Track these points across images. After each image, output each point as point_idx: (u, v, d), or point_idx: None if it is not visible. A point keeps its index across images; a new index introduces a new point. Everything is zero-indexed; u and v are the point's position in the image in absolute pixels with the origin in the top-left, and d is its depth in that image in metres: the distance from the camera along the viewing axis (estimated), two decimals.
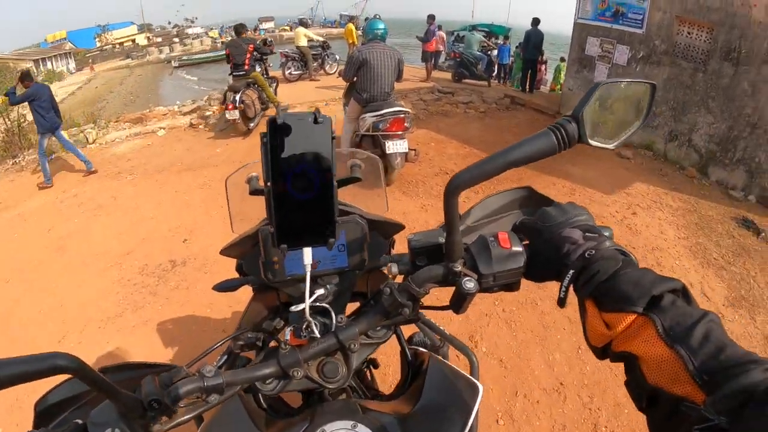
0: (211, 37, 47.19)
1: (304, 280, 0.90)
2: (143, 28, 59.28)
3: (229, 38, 42.91)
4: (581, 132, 0.75)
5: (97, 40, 52.61)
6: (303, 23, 14.02)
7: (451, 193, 0.77)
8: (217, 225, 4.96)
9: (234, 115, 8.03)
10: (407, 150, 5.69)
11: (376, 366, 1.49)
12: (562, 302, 0.78)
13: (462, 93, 11.32)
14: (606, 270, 0.71)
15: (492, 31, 19.50)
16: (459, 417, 0.90)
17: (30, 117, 7.46)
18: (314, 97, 10.63)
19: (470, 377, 1.02)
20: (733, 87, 6.71)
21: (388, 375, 2.46)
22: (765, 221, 6.11)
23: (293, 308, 0.92)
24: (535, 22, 11.96)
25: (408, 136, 5.75)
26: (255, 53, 8.75)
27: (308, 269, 0.87)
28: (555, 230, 0.84)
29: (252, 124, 8.58)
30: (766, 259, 5.23)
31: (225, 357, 1.16)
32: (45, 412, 0.86)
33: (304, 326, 0.94)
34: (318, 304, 0.97)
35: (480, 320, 3.71)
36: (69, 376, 0.62)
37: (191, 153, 7.56)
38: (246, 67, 8.54)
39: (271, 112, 9.26)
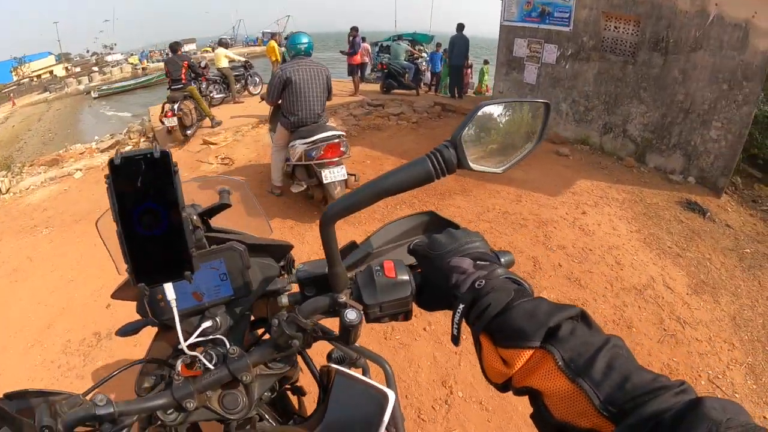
0: (132, 64, 45.36)
1: (194, 314, 0.95)
2: (61, 58, 56.93)
3: (150, 64, 41.62)
4: (460, 157, 0.73)
5: (13, 73, 49.94)
6: (223, 44, 13.33)
7: (325, 225, 0.77)
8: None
9: (172, 122, 8.42)
10: (346, 176, 5.18)
11: (303, 393, 1.40)
12: (455, 339, 0.75)
13: (392, 104, 11.11)
14: (498, 303, 0.68)
15: (416, 40, 19.49)
16: (369, 426, 0.89)
17: None
18: (239, 121, 10.12)
19: (379, 386, 0.97)
20: (664, 76, 6.91)
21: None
22: (707, 201, 6.30)
23: (180, 345, 0.92)
24: (460, 27, 11.84)
25: (345, 161, 5.28)
26: (190, 70, 9.25)
27: (173, 304, 0.88)
28: (444, 258, 0.81)
29: (189, 132, 8.83)
30: (717, 239, 5.33)
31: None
32: None
33: (196, 359, 0.93)
34: (211, 336, 0.97)
35: (450, 361, 3.43)
36: None
37: None
38: (183, 80, 9.04)
39: (207, 123, 9.60)
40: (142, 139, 10.15)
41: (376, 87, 13.70)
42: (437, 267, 0.81)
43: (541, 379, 0.61)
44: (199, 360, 0.93)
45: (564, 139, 8.22)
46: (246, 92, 13.33)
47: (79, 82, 39.25)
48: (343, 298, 0.84)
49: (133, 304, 1.15)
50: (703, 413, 0.48)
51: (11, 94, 39.01)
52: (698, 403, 0.49)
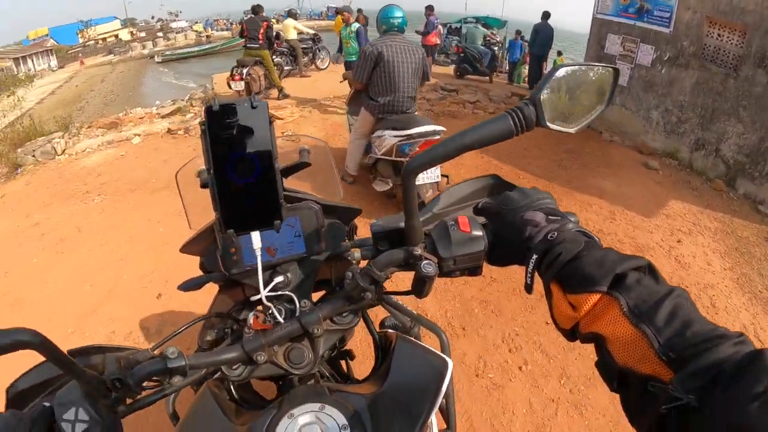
0: (196, 31, 45.53)
1: (265, 269, 0.96)
2: (126, 22, 57.83)
3: (214, 32, 41.70)
4: (539, 115, 0.74)
5: (79, 36, 51.09)
6: (292, 14, 12.63)
7: (407, 176, 0.77)
8: (198, 270, 3.72)
9: (239, 86, 8.21)
10: (440, 179, 4.48)
11: (352, 357, 1.38)
12: (528, 288, 0.77)
13: (467, 91, 10.36)
14: (569, 252, 0.70)
15: (487, 24, 18.40)
16: (429, 392, 0.88)
17: None
18: (306, 96, 9.54)
19: (439, 353, 0.97)
20: (767, 96, 6.05)
21: (365, 365, 1.90)
22: None
23: (253, 297, 0.98)
24: (545, 15, 11.06)
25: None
26: (268, 31, 9.01)
27: (258, 252, 0.89)
28: (517, 213, 0.83)
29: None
30: None
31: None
32: (16, 398, 0.81)
33: (268, 312, 0.95)
34: (280, 292, 0.99)
35: (546, 409, 2.94)
36: (39, 362, 0.70)
37: (168, 165, 6.39)
38: (261, 40, 8.85)
39: (273, 94, 9.31)
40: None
41: (445, 70, 13.17)
42: (510, 222, 0.83)
43: (606, 324, 0.62)
44: (270, 313, 0.94)
45: (652, 150, 7.49)
46: (313, 66, 12.79)
47: (144, 47, 39.84)
48: (419, 251, 0.84)
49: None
50: (765, 364, 0.48)
51: (80, 54, 39.88)
52: (759, 355, 0.49)
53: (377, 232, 0.95)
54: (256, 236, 0.87)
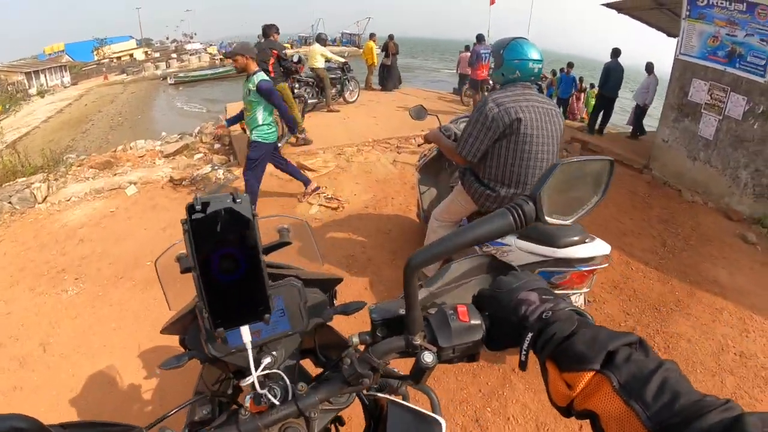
0: (210, 54, 44.34)
1: (252, 350, 0.89)
2: (142, 42, 57.15)
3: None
4: (539, 212, 0.75)
5: (94, 53, 50.32)
6: (321, 39, 10.71)
7: (410, 272, 0.77)
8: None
9: None
10: (585, 304, 3.04)
11: (342, 423, 1.25)
12: (523, 365, 0.76)
13: None
14: (563, 331, 0.70)
15: None
16: None
17: None
18: (342, 138, 7.96)
19: (432, 414, 0.98)
20: None
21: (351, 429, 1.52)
22: None
23: (243, 382, 0.92)
24: (616, 53, 9.76)
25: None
26: (278, 62, 7.06)
27: (249, 346, 0.86)
28: (512, 294, 0.83)
29: (278, 144, 6.25)
30: None
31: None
32: None
33: (267, 390, 0.89)
34: (269, 371, 0.94)
35: None
36: None
37: (167, 236, 4.88)
38: (271, 74, 6.73)
39: (293, 139, 7.52)
40: (216, 144, 8.12)
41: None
42: (505, 304, 0.82)
43: (598, 401, 0.62)
44: (265, 396, 0.88)
45: (740, 215, 6.51)
46: (341, 99, 11.03)
47: (157, 67, 38.79)
48: (418, 340, 0.83)
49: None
50: (742, 429, 0.49)
51: (104, 69, 38.95)
52: (739, 419, 0.51)
53: (376, 319, 0.90)
54: (245, 331, 0.82)
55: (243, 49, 4.76)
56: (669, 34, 11.00)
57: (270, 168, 5.34)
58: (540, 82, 11.95)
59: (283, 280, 1.03)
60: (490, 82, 11.79)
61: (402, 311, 0.86)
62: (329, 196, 5.64)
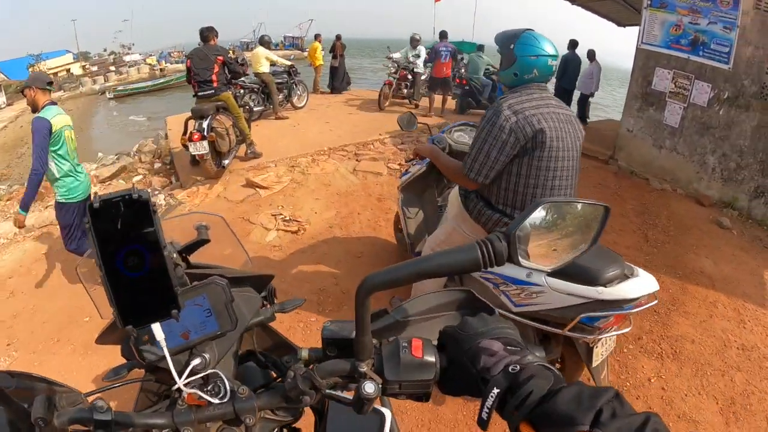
0: (149, 65, 42.26)
1: (180, 352, 0.90)
2: (78, 56, 54.51)
3: (169, 65, 39.20)
4: (512, 252, 0.72)
5: (30, 70, 47.63)
6: (264, 42, 9.56)
7: (364, 293, 0.74)
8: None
9: (201, 148, 5.63)
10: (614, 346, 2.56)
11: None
12: (483, 424, 0.68)
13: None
14: (541, 389, 0.63)
15: (461, 50, 16.75)
16: None
17: None
18: (294, 147, 7.26)
19: (374, 407, 0.90)
20: None
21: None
22: None
23: (174, 388, 0.88)
24: (573, 45, 9.93)
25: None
26: (224, 68, 6.28)
27: (164, 344, 0.82)
28: (473, 340, 0.76)
29: (226, 162, 6.15)
30: None
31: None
32: None
33: (209, 387, 0.88)
34: (200, 375, 0.89)
35: None
36: None
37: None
38: (214, 83, 6.11)
39: (242, 149, 6.80)
40: (156, 163, 7.32)
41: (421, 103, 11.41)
42: (465, 349, 0.75)
43: None
44: (214, 389, 0.88)
45: (710, 200, 6.70)
46: (289, 105, 10.23)
47: (94, 82, 36.58)
48: (364, 367, 0.78)
49: None
50: None
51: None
52: None
53: (327, 337, 0.88)
54: (156, 328, 0.79)
55: (33, 80, 3.80)
56: (619, 24, 11.23)
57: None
58: (492, 77, 11.68)
59: (206, 279, 0.98)
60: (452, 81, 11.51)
61: (354, 334, 0.81)
62: (287, 218, 4.96)
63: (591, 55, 10.32)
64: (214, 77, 6.11)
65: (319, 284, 3.97)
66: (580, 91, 10.79)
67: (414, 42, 10.70)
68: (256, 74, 9.09)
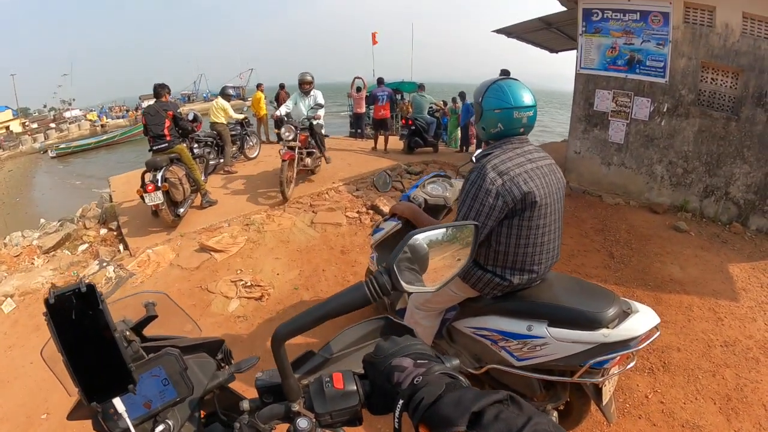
0: (90, 120, 40.58)
1: (145, 421, 0.93)
2: (18, 113, 51.87)
3: (110, 120, 37.98)
4: (394, 281, 0.78)
5: None
6: (225, 94, 9.32)
7: (277, 343, 0.81)
8: None
9: (156, 199, 5.69)
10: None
11: None
12: None
13: (431, 167, 8.47)
14: (431, 395, 0.69)
15: (401, 89, 16.97)
16: None
17: None
18: (247, 203, 6.82)
19: None
20: (767, 133, 6.00)
21: None
22: None
23: None
24: (505, 74, 9.63)
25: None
26: (174, 123, 6.43)
27: (125, 415, 0.85)
28: (386, 361, 0.82)
29: (181, 210, 6.16)
30: None
31: None
32: None
33: None
34: None
35: None
36: None
37: (61, 369, 3.48)
38: (167, 137, 6.28)
39: (198, 200, 6.80)
40: (102, 229, 6.68)
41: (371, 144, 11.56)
42: (381, 370, 0.81)
43: None
44: None
45: (663, 207, 6.85)
46: (242, 157, 9.86)
47: (35, 140, 34.83)
48: (296, 407, 0.85)
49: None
50: None
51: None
52: None
53: (261, 386, 0.93)
54: (117, 402, 0.83)
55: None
56: (551, 51, 11.56)
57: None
58: (436, 114, 11.66)
59: (159, 351, 1.00)
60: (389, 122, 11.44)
61: None
62: (248, 284, 4.49)
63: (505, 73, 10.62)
64: (166, 131, 6.24)
65: (292, 355, 3.49)
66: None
67: (305, 86, 7.55)
68: (213, 126, 8.86)
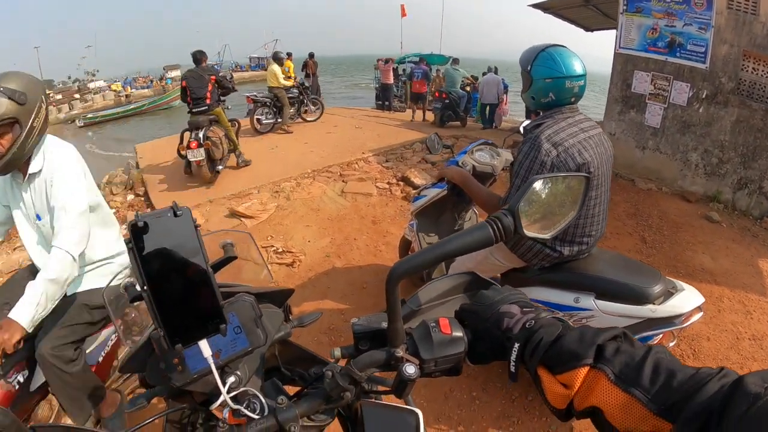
0: (114, 91, 40.69)
1: (210, 373, 0.84)
2: (44, 85, 52.50)
3: (134, 91, 38.23)
4: (517, 225, 0.75)
5: None
6: (278, 59, 9.84)
7: (392, 283, 0.76)
8: None
9: (198, 155, 6.13)
10: None
11: None
12: (513, 376, 0.75)
13: (465, 141, 8.27)
14: (550, 335, 0.70)
15: (430, 62, 16.55)
16: None
17: None
18: (276, 171, 6.87)
19: (406, 407, 0.95)
20: None
21: None
22: None
23: (213, 406, 0.88)
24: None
25: None
26: (217, 86, 6.84)
27: (212, 360, 0.81)
28: (493, 308, 0.81)
29: (220, 167, 6.60)
30: None
31: None
32: None
33: (243, 405, 0.86)
34: (235, 392, 0.89)
35: None
36: None
37: None
38: (208, 100, 6.64)
39: (231, 161, 7.23)
40: (129, 195, 6.72)
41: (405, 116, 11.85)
42: (487, 317, 0.80)
43: (599, 396, 0.61)
44: (241, 411, 0.85)
45: (696, 196, 6.68)
46: (300, 119, 10.44)
47: (59, 110, 35.15)
48: (400, 352, 0.79)
49: None
50: (743, 390, 0.48)
51: None
52: (739, 382, 0.50)
53: (358, 332, 0.88)
54: (204, 345, 0.78)
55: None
56: (587, 29, 11.15)
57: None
58: (467, 88, 11.53)
59: (234, 297, 0.96)
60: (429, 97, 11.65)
61: (384, 324, 0.83)
62: (279, 250, 4.45)
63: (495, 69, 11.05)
64: (207, 94, 6.62)
65: (328, 323, 3.54)
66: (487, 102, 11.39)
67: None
68: (271, 89, 9.57)
